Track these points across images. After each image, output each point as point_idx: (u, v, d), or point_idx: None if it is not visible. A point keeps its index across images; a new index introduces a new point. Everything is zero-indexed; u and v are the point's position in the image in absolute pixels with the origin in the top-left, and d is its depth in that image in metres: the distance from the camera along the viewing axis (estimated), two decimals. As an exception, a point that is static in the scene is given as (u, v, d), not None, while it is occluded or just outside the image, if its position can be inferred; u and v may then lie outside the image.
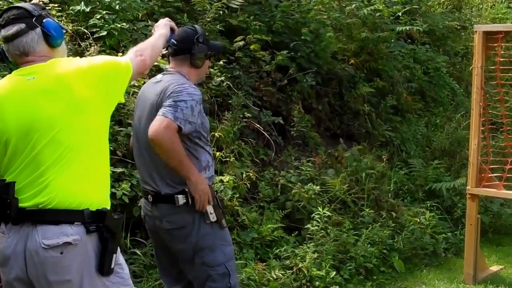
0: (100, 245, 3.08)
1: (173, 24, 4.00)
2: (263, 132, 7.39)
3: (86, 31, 6.35)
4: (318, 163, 7.69)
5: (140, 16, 6.95)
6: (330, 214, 6.74)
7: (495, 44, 6.58)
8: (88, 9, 6.43)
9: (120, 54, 5.66)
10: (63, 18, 6.30)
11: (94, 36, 6.31)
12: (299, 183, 6.97)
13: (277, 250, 6.28)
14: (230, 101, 7.13)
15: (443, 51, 11.46)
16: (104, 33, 6.30)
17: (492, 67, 6.87)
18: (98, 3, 6.54)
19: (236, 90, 7.25)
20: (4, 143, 3.08)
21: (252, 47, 7.74)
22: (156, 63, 5.72)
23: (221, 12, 7.63)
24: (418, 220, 7.46)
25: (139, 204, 5.15)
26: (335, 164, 7.88)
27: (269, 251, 6.30)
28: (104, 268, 3.08)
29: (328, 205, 6.93)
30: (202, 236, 4.12)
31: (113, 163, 5.51)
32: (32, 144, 3.03)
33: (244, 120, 7.10)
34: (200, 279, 4.20)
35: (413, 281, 6.70)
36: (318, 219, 6.61)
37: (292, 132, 7.87)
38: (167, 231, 4.16)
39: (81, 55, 5.88)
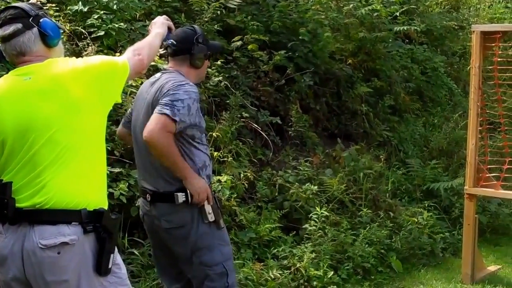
0: (97, 245, 3.08)
1: (170, 23, 3.99)
2: (261, 132, 7.39)
3: (83, 31, 6.34)
4: (316, 163, 7.69)
5: (138, 16, 6.94)
6: (328, 214, 6.74)
7: (493, 44, 6.58)
8: (85, 9, 6.42)
9: (118, 54, 5.65)
10: (61, 18, 6.29)
11: (92, 36, 6.30)
12: (297, 183, 6.98)
13: (275, 250, 6.27)
14: (227, 101, 7.12)
15: (441, 51, 11.46)
16: (102, 33, 6.29)
17: (490, 67, 6.87)
18: (95, 3, 6.53)
19: (234, 90, 7.25)
20: (0, 143, 3.08)
21: (249, 47, 7.74)
22: (153, 63, 5.72)
23: (218, 12, 7.62)
24: (416, 220, 7.46)
25: (136, 204, 5.15)
26: (333, 164, 7.88)
27: (267, 251, 6.29)
28: (101, 268, 3.08)
29: (326, 205, 6.92)
30: (200, 236, 4.12)
31: (110, 163, 5.51)
32: (29, 144, 3.02)
33: (242, 120, 7.10)
34: (198, 278, 4.20)
35: (411, 281, 6.70)
36: (316, 219, 6.61)
37: (290, 132, 7.87)
38: (166, 231, 4.16)
39: (79, 55, 5.87)
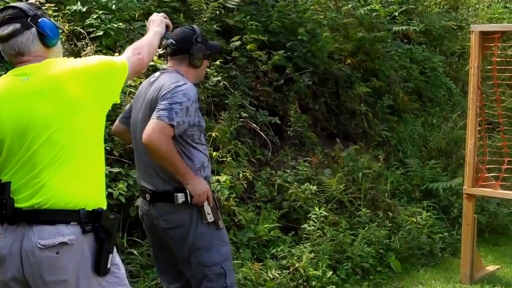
0: (96, 245, 3.08)
1: (168, 21, 3.97)
2: (260, 132, 7.39)
3: (82, 31, 6.34)
4: (314, 163, 7.69)
5: (136, 16, 6.93)
6: (326, 214, 6.74)
7: (492, 44, 6.58)
8: (84, 9, 6.42)
9: (117, 54, 5.64)
10: (60, 18, 6.29)
11: (91, 36, 6.29)
12: (295, 183, 6.98)
13: (274, 250, 6.28)
14: (226, 101, 7.12)
15: (439, 51, 11.46)
16: (101, 33, 6.28)
17: (489, 67, 6.88)
18: (94, 3, 6.53)
19: (232, 90, 7.25)
20: None
21: (248, 47, 7.74)
22: (152, 63, 5.71)
23: (217, 12, 7.62)
24: (415, 220, 7.47)
25: (136, 204, 5.15)
26: (332, 164, 7.88)
27: (266, 251, 6.30)
28: (100, 268, 3.07)
29: (325, 205, 6.93)
30: (199, 236, 4.12)
31: (109, 163, 5.51)
32: (28, 144, 3.02)
33: (240, 120, 7.10)
34: (196, 279, 4.20)
35: (409, 281, 6.70)
36: (314, 219, 6.61)
37: (288, 132, 7.87)
38: (164, 230, 4.16)
39: (77, 55, 5.87)
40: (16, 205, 3.02)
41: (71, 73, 3.09)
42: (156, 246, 4.42)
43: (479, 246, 7.39)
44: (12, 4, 3.26)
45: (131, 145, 4.52)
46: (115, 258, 3.19)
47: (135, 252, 5.48)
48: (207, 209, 4.10)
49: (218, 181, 6.11)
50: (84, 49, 6.15)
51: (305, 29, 8.44)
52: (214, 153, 6.38)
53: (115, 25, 6.36)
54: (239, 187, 6.44)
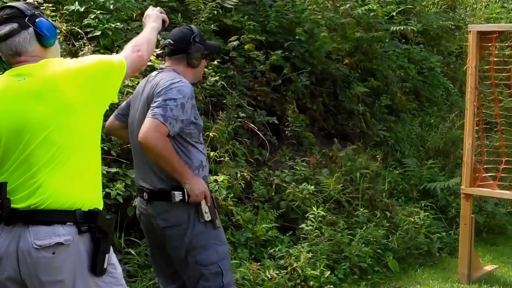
0: (92, 245, 3.07)
1: (165, 16, 3.94)
2: (258, 132, 7.39)
3: (80, 31, 6.33)
4: (312, 162, 7.69)
5: (134, 16, 6.94)
6: (324, 213, 6.74)
7: (489, 44, 6.59)
8: (82, 9, 6.42)
9: (115, 53, 5.64)
10: (57, 18, 6.28)
11: (88, 36, 6.29)
12: (293, 183, 6.98)
13: (272, 250, 6.28)
14: (224, 101, 7.12)
15: (437, 51, 11.48)
16: (98, 33, 6.28)
17: (486, 67, 6.88)
18: (92, 3, 6.53)
19: (230, 90, 7.25)
20: None
21: (246, 47, 7.74)
22: (150, 63, 5.71)
23: (215, 12, 7.62)
24: (413, 220, 7.47)
25: (133, 204, 5.15)
26: (330, 163, 7.88)
27: (264, 251, 6.30)
28: (96, 268, 3.07)
29: (323, 204, 6.92)
30: (196, 235, 4.11)
31: (107, 163, 5.51)
32: (24, 144, 3.02)
33: (238, 120, 7.10)
34: (193, 278, 4.19)
35: (407, 281, 6.71)
36: (312, 219, 6.61)
37: (286, 132, 7.88)
38: (162, 229, 4.16)
39: (75, 55, 5.87)
40: (12, 205, 3.01)
41: (67, 74, 3.09)
42: (154, 246, 4.41)
43: (477, 246, 7.40)
44: (10, 3, 3.25)
45: (128, 145, 4.52)
46: (112, 258, 3.19)
47: (132, 252, 5.47)
48: (205, 207, 4.10)
49: (216, 181, 6.11)
50: (82, 49, 6.15)
51: (302, 29, 8.44)
52: (212, 153, 6.39)
53: (113, 25, 6.36)
54: (237, 187, 6.44)
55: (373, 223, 7.19)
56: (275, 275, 5.90)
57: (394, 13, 10.17)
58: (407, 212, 7.68)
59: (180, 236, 4.11)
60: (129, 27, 6.70)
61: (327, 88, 8.88)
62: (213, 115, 6.99)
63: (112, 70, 3.20)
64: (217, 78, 7.05)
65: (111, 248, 3.18)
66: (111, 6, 6.55)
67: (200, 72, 4.46)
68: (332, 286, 6.16)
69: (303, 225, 6.60)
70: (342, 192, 7.29)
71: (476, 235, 7.25)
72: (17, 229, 3.01)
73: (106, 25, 6.33)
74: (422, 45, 11.16)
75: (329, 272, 6.24)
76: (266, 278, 5.83)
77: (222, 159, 6.50)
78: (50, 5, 6.22)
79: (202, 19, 7.42)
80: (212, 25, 7.47)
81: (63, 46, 5.84)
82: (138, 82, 4.82)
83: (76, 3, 6.43)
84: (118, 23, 6.44)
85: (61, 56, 3.38)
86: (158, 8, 4.01)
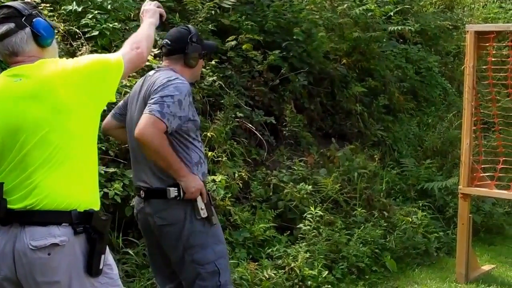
0: (88, 246, 3.07)
1: (162, 10, 3.92)
2: (255, 132, 7.39)
3: (77, 31, 6.33)
4: (310, 162, 7.69)
5: (132, 16, 6.93)
6: (322, 213, 6.74)
7: (487, 44, 6.60)
8: (80, 9, 6.41)
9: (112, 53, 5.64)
10: (55, 18, 6.27)
11: (86, 36, 6.28)
12: (291, 183, 6.98)
13: (269, 250, 6.27)
14: (222, 101, 7.12)
15: (435, 50, 11.48)
16: (96, 33, 6.28)
17: (484, 67, 6.89)
18: (90, 2, 6.52)
19: (228, 90, 7.25)
20: None
21: (244, 46, 7.74)
22: (148, 63, 5.71)
23: (213, 12, 7.62)
24: (410, 220, 7.47)
25: (131, 204, 5.15)
26: (327, 163, 7.89)
27: (261, 250, 6.29)
28: (92, 269, 3.06)
29: (320, 204, 6.93)
30: (193, 233, 4.11)
31: (105, 163, 5.51)
32: (21, 144, 3.01)
33: (236, 120, 7.10)
34: (190, 277, 4.18)
35: (405, 281, 6.71)
36: (310, 219, 6.61)
37: (284, 132, 7.88)
38: (159, 227, 4.16)
39: (73, 55, 5.86)
40: (9, 206, 3.01)
41: (63, 74, 3.07)
42: (152, 245, 4.41)
43: (475, 246, 7.40)
44: (7, 3, 3.24)
45: (126, 145, 4.51)
46: (108, 258, 3.18)
47: (130, 252, 5.47)
48: (201, 204, 4.09)
49: (213, 181, 6.11)
50: (80, 49, 6.14)
51: (300, 29, 8.44)
52: (210, 153, 6.38)
53: (111, 25, 6.35)
54: (234, 187, 6.44)
55: (371, 223, 7.19)
56: (273, 275, 5.90)
57: (391, 13, 10.18)
58: (405, 212, 7.68)
59: (177, 234, 4.11)
60: (127, 27, 6.69)
61: (325, 88, 8.88)
62: (211, 115, 6.98)
63: (109, 69, 3.18)
64: (214, 78, 7.05)
65: (107, 249, 3.18)
66: (109, 6, 6.55)
67: (197, 72, 4.47)
68: (329, 286, 6.16)
69: (301, 225, 6.60)
70: (340, 192, 7.30)
71: (474, 234, 7.25)
72: (14, 229, 3.01)
73: (104, 25, 6.32)
74: (419, 45, 11.16)
75: (327, 272, 6.24)
76: (264, 278, 5.83)
77: (220, 159, 6.50)
78: (48, 5, 6.21)
79: (200, 19, 7.42)
80: (210, 25, 7.47)
81: (60, 46, 5.83)
82: (136, 82, 4.82)
83: (74, 3, 6.43)
84: (116, 23, 6.44)
85: (59, 56, 3.37)
86: (155, 2, 3.98)
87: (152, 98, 3.96)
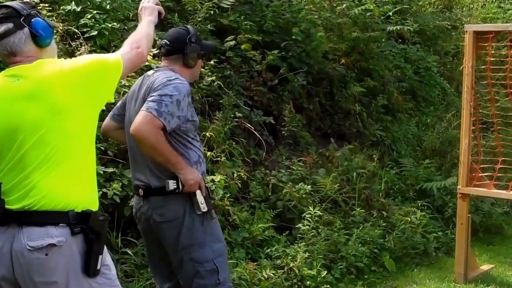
0: (85, 247, 3.06)
1: (160, 7, 3.89)
2: (254, 131, 7.39)
3: (76, 30, 6.32)
4: (309, 162, 7.69)
5: (131, 16, 6.93)
6: (321, 213, 6.74)
7: (486, 44, 6.60)
8: (78, 9, 6.41)
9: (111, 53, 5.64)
10: (54, 18, 6.27)
11: (85, 36, 6.28)
12: (290, 183, 6.98)
13: (268, 250, 6.27)
14: (221, 101, 7.12)
15: (433, 50, 11.48)
16: (95, 33, 6.28)
17: (483, 67, 6.89)
18: (89, 2, 6.52)
19: (227, 89, 7.25)
20: None
21: (243, 46, 7.74)
22: (147, 63, 5.70)
23: (212, 12, 7.62)
24: (409, 220, 7.47)
25: (130, 204, 5.14)
26: (326, 163, 7.89)
27: (260, 250, 6.29)
28: (90, 269, 3.06)
29: (319, 204, 6.93)
30: (193, 230, 4.11)
31: (104, 163, 5.51)
32: (19, 144, 3.01)
33: (235, 120, 7.10)
34: (188, 276, 4.18)
35: (404, 280, 6.71)
36: (309, 219, 6.61)
37: (283, 132, 7.88)
38: (158, 224, 4.15)
39: (72, 55, 5.86)
40: (7, 206, 3.01)
41: (60, 74, 3.07)
42: (151, 244, 4.41)
43: (473, 246, 7.40)
44: (6, 3, 3.23)
45: (125, 145, 4.51)
46: (106, 259, 3.18)
47: (129, 251, 5.47)
48: (200, 198, 4.09)
49: (212, 181, 6.10)
50: (79, 49, 6.14)
51: (299, 29, 8.44)
52: (209, 153, 6.38)
53: (110, 25, 6.35)
54: (233, 187, 6.44)
55: (370, 222, 7.20)
56: (272, 275, 5.90)
57: (390, 13, 10.18)
58: (404, 211, 7.68)
59: (176, 230, 4.11)
60: (126, 27, 6.68)
61: (324, 88, 8.88)
62: (209, 115, 6.98)
63: (107, 69, 3.18)
64: (213, 78, 7.05)
65: (105, 249, 3.17)
66: (108, 6, 6.55)
67: (196, 72, 4.47)
68: (328, 286, 6.16)
69: (300, 225, 6.59)
70: (338, 192, 7.30)
71: (473, 234, 7.25)
72: (11, 230, 3.01)
73: (103, 25, 6.32)
74: (418, 45, 11.17)
75: (325, 272, 6.24)
76: (262, 278, 5.83)
77: (218, 159, 6.50)
78: (47, 5, 6.21)
79: (199, 19, 7.42)
80: (209, 25, 7.47)
81: (59, 46, 5.83)
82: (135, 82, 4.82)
83: (73, 3, 6.43)
84: (115, 23, 6.44)
85: (58, 56, 3.36)
86: None
87: (151, 96, 3.96)
